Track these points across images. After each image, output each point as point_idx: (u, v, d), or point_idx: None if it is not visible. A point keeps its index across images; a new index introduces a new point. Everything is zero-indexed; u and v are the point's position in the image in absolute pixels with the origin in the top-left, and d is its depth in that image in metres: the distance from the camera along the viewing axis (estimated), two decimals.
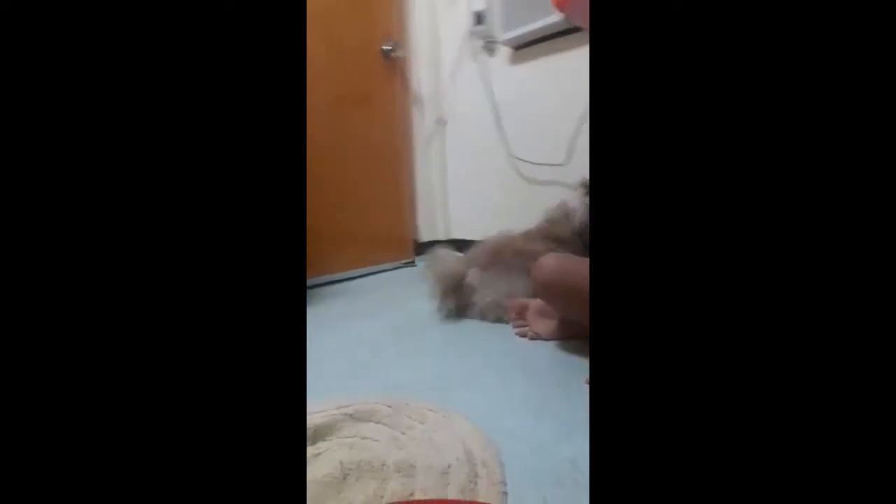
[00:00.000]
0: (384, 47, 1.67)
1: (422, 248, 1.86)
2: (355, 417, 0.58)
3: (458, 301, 1.06)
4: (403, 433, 0.54)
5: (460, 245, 1.68)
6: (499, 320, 1.02)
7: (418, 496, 0.43)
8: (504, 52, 1.52)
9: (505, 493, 0.44)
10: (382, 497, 0.43)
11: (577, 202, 1.13)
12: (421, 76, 1.80)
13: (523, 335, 0.91)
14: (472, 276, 1.07)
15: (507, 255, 1.07)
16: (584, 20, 0.80)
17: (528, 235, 1.12)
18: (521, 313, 0.95)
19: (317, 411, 0.59)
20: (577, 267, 0.76)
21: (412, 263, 1.82)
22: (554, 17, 1.25)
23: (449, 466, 0.47)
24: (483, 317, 1.04)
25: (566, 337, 0.85)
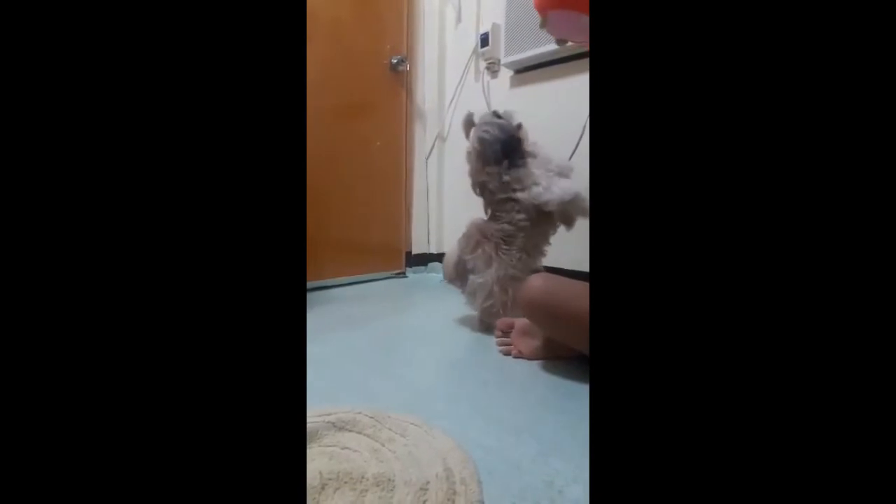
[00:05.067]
0: (392, 60, 1.70)
1: (414, 260, 1.87)
2: (337, 426, 0.58)
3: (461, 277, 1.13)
4: (384, 445, 0.55)
5: None
6: (489, 329, 1.06)
7: None
8: (506, 73, 1.56)
9: None
10: None
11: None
12: (425, 91, 1.83)
13: (507, 353, 0.91)
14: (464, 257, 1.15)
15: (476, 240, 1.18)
16: (564, 34, 0.84)
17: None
18: (507, 331, 0.96)
19: None
20: (564, 288, 0.78)
21: (403, 275, 1.82)
22: (551, 46, 1.29)
23: (428, 482, 0.47)
24: (482, 320, 1.08)
25: (549, 356, 0.86)
